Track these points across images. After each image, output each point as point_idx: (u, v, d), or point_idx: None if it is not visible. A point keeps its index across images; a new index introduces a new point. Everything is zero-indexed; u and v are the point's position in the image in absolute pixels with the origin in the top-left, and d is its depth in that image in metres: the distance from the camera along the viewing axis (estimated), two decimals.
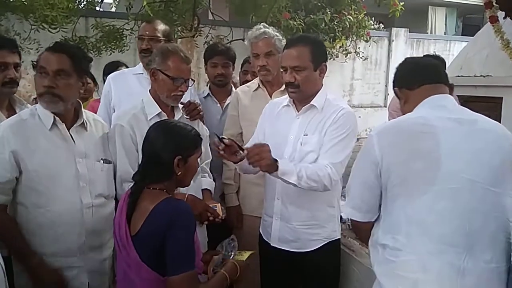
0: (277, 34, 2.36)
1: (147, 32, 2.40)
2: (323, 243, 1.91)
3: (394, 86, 1.58)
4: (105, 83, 2.54)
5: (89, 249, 1.74)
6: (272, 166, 1.69)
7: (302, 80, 1.83)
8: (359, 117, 8.80)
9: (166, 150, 1.45)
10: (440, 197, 1.32)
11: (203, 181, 2.15)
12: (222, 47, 2.88)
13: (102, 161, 1.82)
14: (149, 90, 2.04)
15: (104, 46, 5.61)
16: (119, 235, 1.45)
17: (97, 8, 6.55)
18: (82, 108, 1.83)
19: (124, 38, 5.23)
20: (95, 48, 5.90)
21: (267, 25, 2.39)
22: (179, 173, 1.46)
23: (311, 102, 1.88)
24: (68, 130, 1.74)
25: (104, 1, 6.52)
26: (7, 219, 1.64)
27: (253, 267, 2.16)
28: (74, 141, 1.75)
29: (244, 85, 2.59)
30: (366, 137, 1.47)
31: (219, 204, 2.04)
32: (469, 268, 1.30)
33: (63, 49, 1.68)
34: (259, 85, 2.44)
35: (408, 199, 1.36)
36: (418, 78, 1.50)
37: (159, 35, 2.40)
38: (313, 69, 1.85)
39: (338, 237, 1.98)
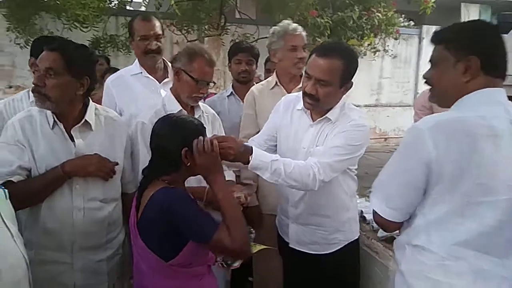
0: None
1: (151, 32, 2.33)
2: (342, 245, 1.87)
3: (470, 53, 1.29)
4: (104, 87, 2.48)
5: (80, 249, 1.71)
6: (241, 158, 1.60)
7: (324, 95, 1.72)
8: (387, 116, 8.66)
9: (173, 143, 1.48)
10: (491, 208, 1.25)
11: (225, 174, 2.15)
12: (246, 44, 2.90)
13: None
14: (170, 88, 2.06)
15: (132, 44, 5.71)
16: (130, 224, 1.54)
17: (128, 7, 6.69)
18: (92, 106, 1.77)
19: None
20: (124, 46, 6.03)
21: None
22: (188, 164, 1.49)
23: (327, 115, 1.80)
24: (70, 130, 1.70)
25: (133, 1, 6.64)
26: (18, 185, 1.60)
27: (276, 265, 2.16)
28: (74, 141, 1.70)
29: (259, 83, 2.56)
30: (397, 137, 1.39)
31: (243, 193, 2.02)
32: (506, 277, 1.26)
33: (58, 47, 1.62)
34: (276, 82, 2.41)
35: (455, 204, 1.27)
36: (503, 67, 1.32)
37: (160, 32, 2.37)
38: (339, 86, 1.73)
39: (356, 237, 1.94)
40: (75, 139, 1.70)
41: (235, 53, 2.81)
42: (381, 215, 1.38)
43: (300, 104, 1.85)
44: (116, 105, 2.37)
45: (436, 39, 1.39)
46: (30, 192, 1.62)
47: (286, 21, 2.39)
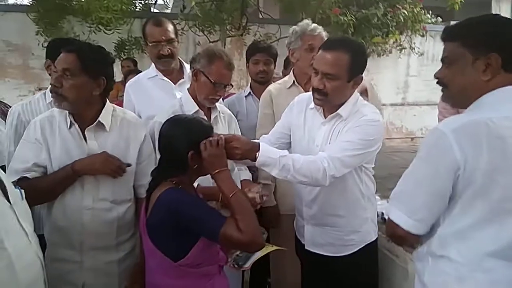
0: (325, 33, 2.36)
1: (163, 37, 2.32)
2: (359, 247, 1.83)
3: (490, 50, 1.21)
4: (124, 91, 2.52)
5: (90, 248, 1.72)
6: (248, 155, 1.58)
7: (332, 89, 1.68)
8: (414, 115, 8.45)
9: (179, 147, 1.48)
10: None
11: (242, 173, 2.16)
12: (264, 44, 2.88)
13: None
14: (188, 89, 2.07)
15: None
16: (140, 225, 1.56)
17: (152, 9, 6.80)
18: (109, 108, 1.78)
19: None
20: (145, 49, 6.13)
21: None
22: (195, 166, 1.49)
23: (338, 111, 1.76)
24: (84, 130, 1.72)
25: (157, 3, 6.74)
26: (31, 182, 1.66)
27: (293, 265, 2.13)
28: (86, 141, 1.72)
29: (276, 82, 2.54)
30: (424, 137, 1.30)
31: (259, 193, 2.00)
32: None
33: (74, 49, 1.67)
34: (293, 81, 2.38)
35: (485, 212, 1.19)
36: None
37: (173, 36, 2.36)
38: (346, 79, 1.69)
39: (374, 239, 1.88)
40: (87, 140, 1.72)
41: (253, 53, 2.80)
42: (405, 228, 1.26)
43: (313, 103, 1.83)
44: (134, 108, 2.40)
45: (450, 35, 1.31)
46: (41, 190, 1.66)
47: (306, 21, 2.36)
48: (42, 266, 1.32)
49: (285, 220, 2.32)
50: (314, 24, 2.33)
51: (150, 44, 2.36)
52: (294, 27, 2.39)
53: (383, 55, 7.39)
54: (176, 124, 1.54)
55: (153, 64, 2.46)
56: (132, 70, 4.30)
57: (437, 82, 1.35)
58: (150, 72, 2.47)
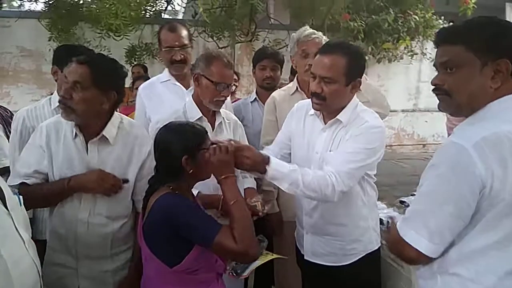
0: (325, 38, 2.30)
1: (176, 43, 2.32)
2: (360, 256, 1.79)
3: (499, 56, 1.13)
4: (137, 95, 2.52)
5: (84, 257, 1.70)
6: (258, 167, 1.56)
7: (330, 94, 1.66)
8: (426, 121, 8.37)
9: (173, 152, 1.48)
10: None
11: (245, 181, 2.13)
12: (271, 50, 2.87)
13: None
14: (192, 95, 2.07)
15: None
16: (138, 230, 1.55)
17: (163, 16, 6.86)
18: (115, 120, 1.75)
19: None
20: (159, 54, 6.19)
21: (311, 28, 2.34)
22: (191, 170, 1.49)
23: (337, 117, 1.73)
24: (88, 142, 1.69)
25: (168, 9, 6.80)
26: (30, 188, 1.65)
27: (296, 273, 2.11)
28: (88, 154, 1.68)
29: (280, 88, 2.53)
30: (436, 143, 1.22)
31: (259, 201, 1.99)
32: None
33: (87, 60, 1.61)
34: (297, 88, 2.36)
35: (508, 230, 1.12)
36: None
37: (187, 42, 2.36)
38: (344, 83, 1.66)
39: (376, 248, 1.85)
40: (89, 152, 1.69)
41: (260, 59, 2.78)
42: (425, 253, 1.16)
43: (313, 110, 1.81)
44: (145, 112, 2.41)
45: (450, 38, 1.21)
46: (38, 198, 1.65)
47: (304, 27, 2.35)
48: (39, 273, 1.31)
49: (288, 227, 2.29)
50: (310, 30, 2.30)
51: (164, 49, 2.37)
52: (293, 33, 2.38)
53: (394, 60, 7.35)
54: (169, 130, 1.54)
55: (166, 68, 2.48)
56: (141, 76, 4.33)
57: (434, 90, 1.25)
58: (163, 77, 2.48)
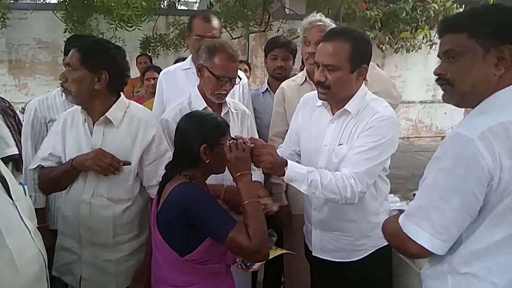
0: (332, 24, 2.22)
1: (208, 33, 2.29)
2: (370, 252, 1.75)
3: (502, 42, 1.10)
4: (158, 80, 2.53)
5: (89, 243, 1.74)
6: (277, 169, 1.55)
7: (334, 82, 1.60)
8: (445, 113, 8.18)
9: (193, 139, 1.49)
10: None
11: (254, 174, 2.10)
12: (283, 39, 2.82)
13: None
14: (197, 86, 2.04)
15: (180, 43, 5.86)
16: (151, 216, 1.56)
17: (179, 6, 6.85)
18: (121, 103, 1.76)
19: None
20: (173, 45, 6.19)
21: (323, 15, 2.26)
22: (208, 160, 1.49)
23: (345, 107, 1.67)
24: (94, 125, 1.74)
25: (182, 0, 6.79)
26: (45, 170, 1.79)
27: (305, 267, 2.08)
28: (92, 136, 1.73)
29: (290, 79, 2.48)
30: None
31: (270, 201, 1.97)
32: None
33: (76, 43, 1.73)
34: (306, 78, 2.31)
35: None
36: None
37: (218, 34, 2.33)
38: (349, 70, 1.60)
39: (386, 243, 1.79)
40: (93, 134, 1.73)
41: (271, 48, 2.74)
42: (431, 250, 1.13)
43: (320, 101, 1.75)
44: (163, 99, 2.42)
45: (452, 26, 1.17)
46: (49, 180, 1.76)
47: (311, 15, 2.27)
48: (45, 263, 1.32)
49: (297, 220, 2.26)
50: (317, 17, 2.21)
51: (194, 37, 2.36)
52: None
53: (412, 50, 7.19)
54: (190, 118, 1.56)
55: (190, 56, 2.47)
56: (151, 66, 4.34)
57: (437, 80, 1.22)
58: (185, 64, 2.48)
